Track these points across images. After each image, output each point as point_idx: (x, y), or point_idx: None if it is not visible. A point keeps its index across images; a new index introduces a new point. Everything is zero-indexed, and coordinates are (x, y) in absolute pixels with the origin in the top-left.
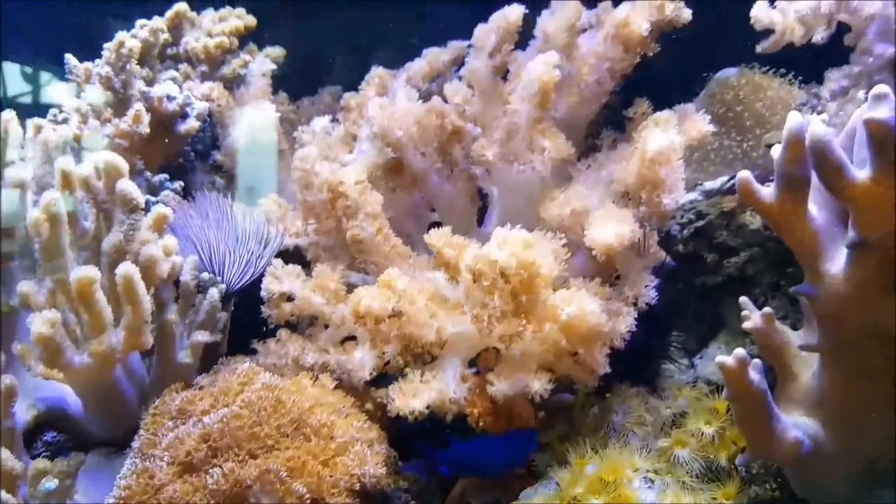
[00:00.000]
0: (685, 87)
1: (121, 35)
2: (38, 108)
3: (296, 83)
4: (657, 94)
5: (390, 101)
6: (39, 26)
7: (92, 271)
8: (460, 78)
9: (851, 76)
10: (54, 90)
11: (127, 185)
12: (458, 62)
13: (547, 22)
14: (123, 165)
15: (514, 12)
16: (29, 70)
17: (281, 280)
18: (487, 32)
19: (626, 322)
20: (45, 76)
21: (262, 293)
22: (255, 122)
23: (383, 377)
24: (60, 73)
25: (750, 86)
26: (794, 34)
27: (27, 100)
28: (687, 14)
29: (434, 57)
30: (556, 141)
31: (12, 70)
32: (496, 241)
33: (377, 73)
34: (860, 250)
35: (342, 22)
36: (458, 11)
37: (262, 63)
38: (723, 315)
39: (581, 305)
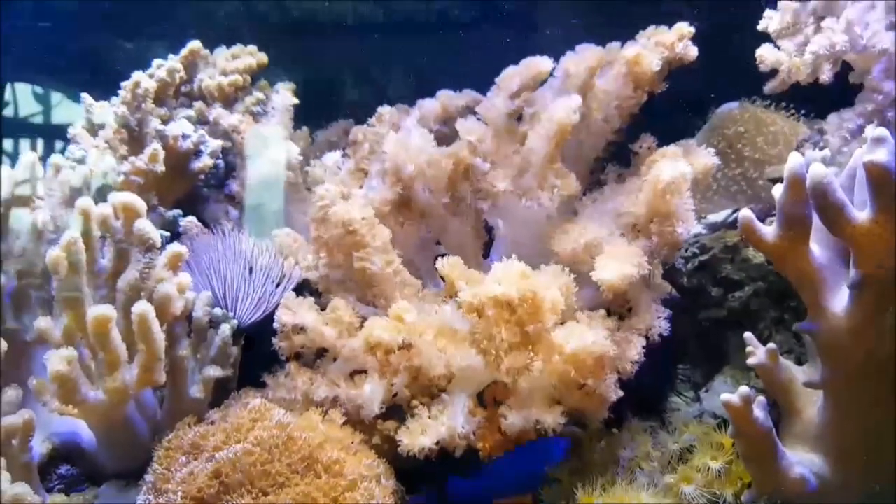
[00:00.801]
0: (686, 120)
1: (137, 75)
2: (48, 129)
3: (304, 115)
4: (659, 129)
5: (404, 137)
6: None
7: (108, 310)
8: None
9: (865, 114)
10: (66, 112)
11: (144, 225)
12: (472, 110)
13: (570, 62)
14: (141, 206)
15: (545, 64)
16: (40, 91)
17: (294, 312)
18: (513, 75)
19: (635, 349)
20: (55, 97)
21: (275, 324)
22: (274, 156)
23: (392, 408)
24: (69, 92)
25: (751, 119)
26: (800, 73)
27: (38, 120)
28: (694, 51)
29: (448, 100)
30: (567, 180)
31: (24, 90)
32: (495, 276)
33: (385, 110)
34: (862, 289)
35: (354, 53)
36: (469, 45)
37: (286, 98)
38: (728, 348)
39: (582, 338)
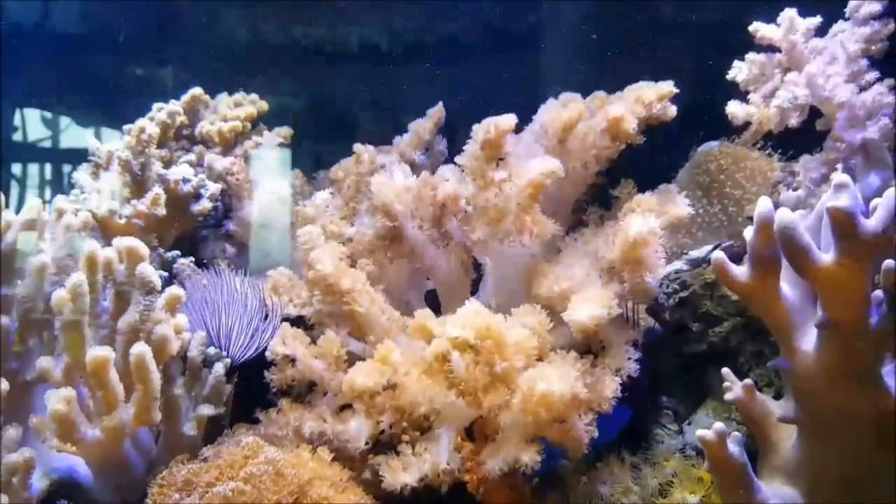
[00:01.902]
0: (672, 158)
1: (141, 121)
2: (57, 154)
3: (307, 152)
4: (644, 168)
5: (388, 178)
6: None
7: (106, 352)
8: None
9: (827, 163)
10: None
11: (146, 269)
12: (440, 124)
13: (548, 113)
14: (144, 251)
15: (507, 122)
16: (49, 115)
17: (286, 344)
18: (480, 129)
19: (610, 388)
20: (64, 121)
21: (268, 354)
22: (268, 198)
23: (384, 443)
24: (76, 117)
25: (731, 157)
26: (770, 123)
27: (47, 145)
28: (672, 111)
29: (419, 126)
30: (543, 227)
31: (32, 115)
32: (454, 321)
33: (361, 148)
34: (829, 329)
35: (353, 90)
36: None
37: (271, 139)
38: (710, 382)
39: (551, 381)
